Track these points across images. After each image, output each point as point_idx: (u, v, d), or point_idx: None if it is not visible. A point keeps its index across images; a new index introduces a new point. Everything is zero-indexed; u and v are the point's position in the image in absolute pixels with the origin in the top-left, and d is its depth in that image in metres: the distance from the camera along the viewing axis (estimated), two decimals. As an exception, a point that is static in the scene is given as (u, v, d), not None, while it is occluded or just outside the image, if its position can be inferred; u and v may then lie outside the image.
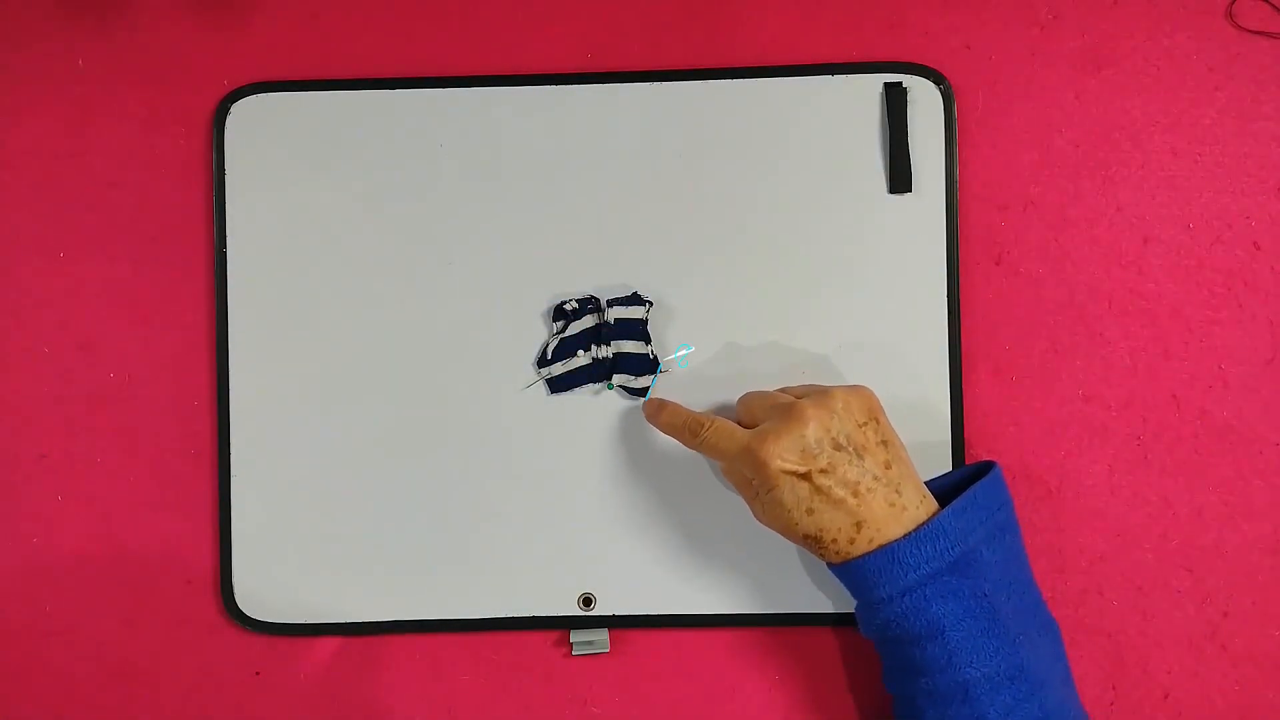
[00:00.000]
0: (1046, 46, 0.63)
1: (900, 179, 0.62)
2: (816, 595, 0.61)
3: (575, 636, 0.62)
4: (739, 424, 0.56)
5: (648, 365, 0.61)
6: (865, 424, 0.54)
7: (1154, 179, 0.63)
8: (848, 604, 0.60)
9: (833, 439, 0.53)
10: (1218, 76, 0.63)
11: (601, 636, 0.62)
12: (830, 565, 0.55)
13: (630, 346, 0.61)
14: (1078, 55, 0.63)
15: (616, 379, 0.61)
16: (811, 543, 0.54)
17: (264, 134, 0.63)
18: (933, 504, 0.54)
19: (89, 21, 0.64)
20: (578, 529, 0.62)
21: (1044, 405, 0.62)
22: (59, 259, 0.63)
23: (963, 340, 0.62)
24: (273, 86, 0.63)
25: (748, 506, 0.56)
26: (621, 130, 0.63)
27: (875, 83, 0.63)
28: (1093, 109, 0.63)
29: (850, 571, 0.53)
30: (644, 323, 0.61)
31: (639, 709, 0.62)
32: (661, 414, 0.59)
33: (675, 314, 0.62)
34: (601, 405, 0.62)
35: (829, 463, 0.53)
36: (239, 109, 0.63)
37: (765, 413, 0.55)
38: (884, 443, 0.54)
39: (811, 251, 0.62)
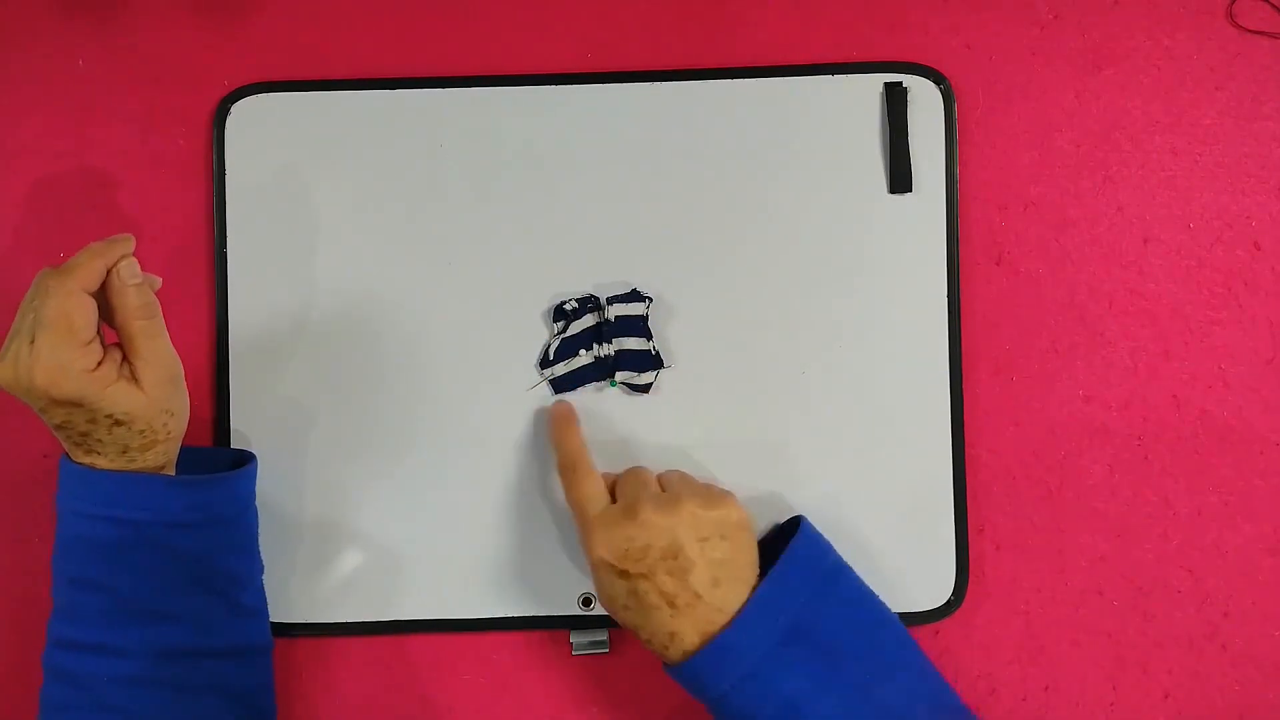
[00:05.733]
0: (1046, 46, 0.63)
1: (900, 179, 0.62)
2: (816, 595, 0.61)
3: (575, 636, 0.62)
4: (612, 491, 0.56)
5: (650, 361, 0.61)
6: (707, 539, 0.53)
7: (1154, 179, 0.63)
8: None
9: (663, 547, 0.52)
10: (1218, 76, 0.63)
11: (601, 636, 0.62)
12: (665, 668, 0.54)
13: (632, 343, 0.61)
14: (1078, 55, 0.63)
15: (619, 376, 0.61)
16: (633, 635, 0.54)
17: (264, 134, 0.63)
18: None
19: (89, 21, 0.64)
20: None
21: (1044, 405, 0.62)
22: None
23: (963, 340, 0.62)
24: (273, 86, 0.63)
25: None
26: (621, 130, 0.63)
27: (875, 83, 0.63)
28: (1093, 109, 0.63)
29: (685, 673, 0.52)
30: (645, 319, 0.61)
31: (639, 709, 0.62)
32: (561, 429, 0.58)
33: (675, 314, 0.62)
34: (601, 405, 0.62)
35: (649, 569, 0.52)
36: (239, 109, 0.63)
37: (621, 497, 0.55)
38: (721, 561, 0.52)
39: (811, 251, 0.62)
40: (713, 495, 0.54)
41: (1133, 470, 0.62)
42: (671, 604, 0.52)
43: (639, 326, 0.61)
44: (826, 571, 0.54)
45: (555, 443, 0.59)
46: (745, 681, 0.51)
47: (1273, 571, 0.62)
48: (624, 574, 0.52)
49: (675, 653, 0.52)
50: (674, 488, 0.55)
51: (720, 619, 0.52)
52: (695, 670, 0.52)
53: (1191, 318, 0.62)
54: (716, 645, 0.51)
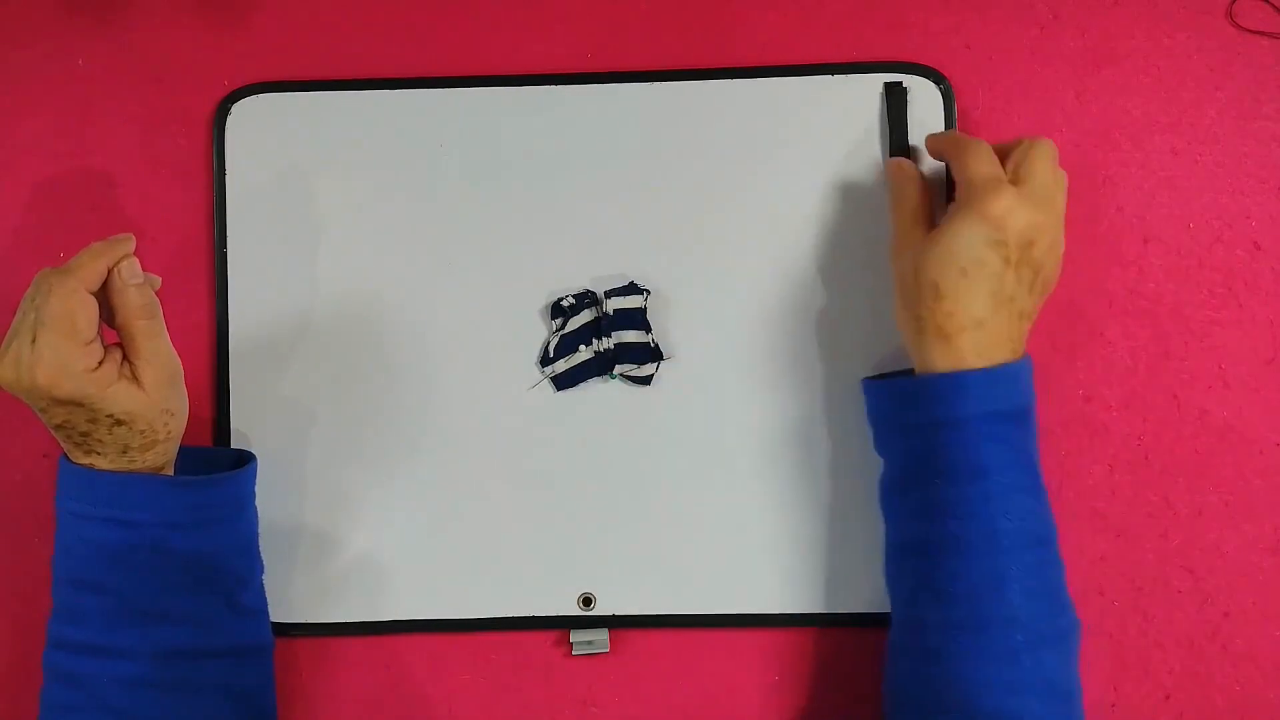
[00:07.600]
0: (1046, 46, 0.63)
1: (900, 179, 0.62)
2: (815, 597, 0.61)
3: (575, 636, 0.62)
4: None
5: (649, 354, 0.61)
6: (1056, 258, 0.54)
7: (1154, 179, 0.63)
8: (847, 605, 0.61)
9: (1050, 262, 0.53)
10: (1218, 76, 0.63)
11: (601, 636, 0.62)
12: (880, 378, 0.56)
13: (631, 336, 0.61)
14: (1078, 55, 0.63)
15: (619, 369, 0.61)
16: (928, 301, 0.52)
17: (264, 134, 0.63)
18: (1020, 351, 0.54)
19: (89, 21, 0.64)
20: (578, 529, 0.62)
21: (1044, 405, 0.62)
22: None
23: (963, 340, 0.62)
24: (273, 86, 0.63)
25: (893, 225, 0.58)
26: (621, 130, 0.63)
27: (875, 83, 0.63)
28: (1093, 109, 0.63)
29: (912, 387, 0.53)
30: (643, 311, 0.61)
31: (639, 709, 0.62)
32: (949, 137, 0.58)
33: (676, 314, 0.62)
34: (601, 405, 0.62)
35: (1020, 258, 0.52)
36: (239, 109, 0.63)
37: (1031, 184, 0.53)
38: (1046, 282, 0.54)
39: (811, 252, 0.62)
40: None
41: (1133, 470, 0.62)
42: (1004, 302, 0.52)
43: (637, 319, 0.61)
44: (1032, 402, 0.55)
45: (942, 143, 0.58)
46: (959, 425, 0.51)
47: (1273, 571, 0.62)
48: (1000, 244, 0.51)
49: (953, 328, 0.52)
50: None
51: (998, 356, 0.52)
52: (929, 387, 0.52)
53: (1191, 318, 0.62)
54: (958, 378, 0.51)
